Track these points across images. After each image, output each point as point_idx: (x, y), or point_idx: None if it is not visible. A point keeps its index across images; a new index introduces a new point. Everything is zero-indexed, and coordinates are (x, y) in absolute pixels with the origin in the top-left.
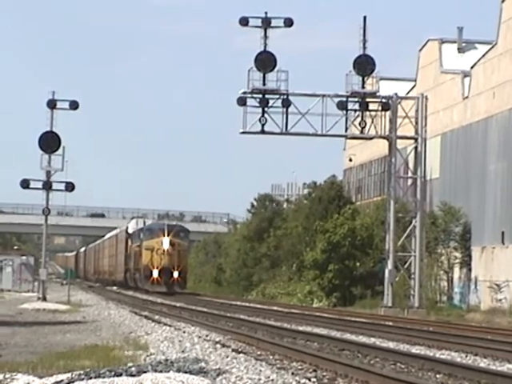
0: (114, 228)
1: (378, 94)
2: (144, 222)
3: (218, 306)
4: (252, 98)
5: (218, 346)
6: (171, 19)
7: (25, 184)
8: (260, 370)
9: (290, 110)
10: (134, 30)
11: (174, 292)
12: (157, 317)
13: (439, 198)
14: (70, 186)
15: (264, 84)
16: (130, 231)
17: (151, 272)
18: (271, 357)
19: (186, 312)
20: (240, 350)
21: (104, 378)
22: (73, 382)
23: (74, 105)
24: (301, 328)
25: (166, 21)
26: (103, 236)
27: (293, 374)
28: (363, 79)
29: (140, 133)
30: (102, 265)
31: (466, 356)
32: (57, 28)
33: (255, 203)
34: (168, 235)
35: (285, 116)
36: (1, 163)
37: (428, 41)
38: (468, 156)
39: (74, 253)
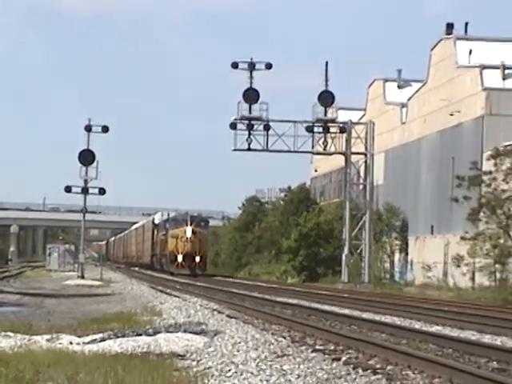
0: (136, 222)
1: (336, 120)
2: (168, 214)
3: (215, 283)
4: (241, 123)
5: (215, 312)
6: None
7: (67, 189)
8: (247, 331)
9: (269, 132)
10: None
11: (196, 274)
12: (168, 290)
13: (383, 199)
14: (102, 191)
15: (250, 113)
16: (156, 222)
17: (176, 257)
18: (256, 321)
19: (191, 287)
20: (232, 315)
21: (128, 337)
22: (104, 340)
23: (105, 129)
24: (278, 299)
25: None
26: (127, 229)
27: (272, 333)
28: (325, 109)
29: (154, 150)
30: (130, 250)
31: (404, 320)
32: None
33: (245, 202)
34: (191, 225)
35: (266, 137)
36: (48, 172)
37: (374, 80)
38: (405, 167)
39: (105, 242)
